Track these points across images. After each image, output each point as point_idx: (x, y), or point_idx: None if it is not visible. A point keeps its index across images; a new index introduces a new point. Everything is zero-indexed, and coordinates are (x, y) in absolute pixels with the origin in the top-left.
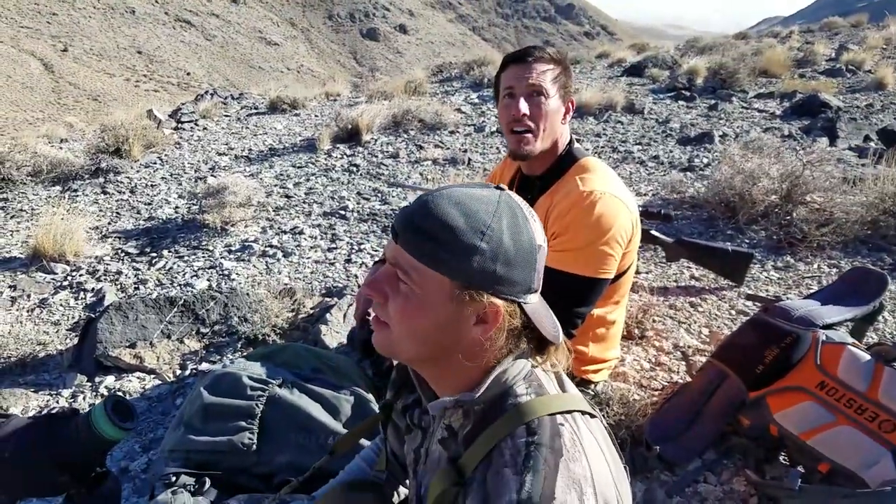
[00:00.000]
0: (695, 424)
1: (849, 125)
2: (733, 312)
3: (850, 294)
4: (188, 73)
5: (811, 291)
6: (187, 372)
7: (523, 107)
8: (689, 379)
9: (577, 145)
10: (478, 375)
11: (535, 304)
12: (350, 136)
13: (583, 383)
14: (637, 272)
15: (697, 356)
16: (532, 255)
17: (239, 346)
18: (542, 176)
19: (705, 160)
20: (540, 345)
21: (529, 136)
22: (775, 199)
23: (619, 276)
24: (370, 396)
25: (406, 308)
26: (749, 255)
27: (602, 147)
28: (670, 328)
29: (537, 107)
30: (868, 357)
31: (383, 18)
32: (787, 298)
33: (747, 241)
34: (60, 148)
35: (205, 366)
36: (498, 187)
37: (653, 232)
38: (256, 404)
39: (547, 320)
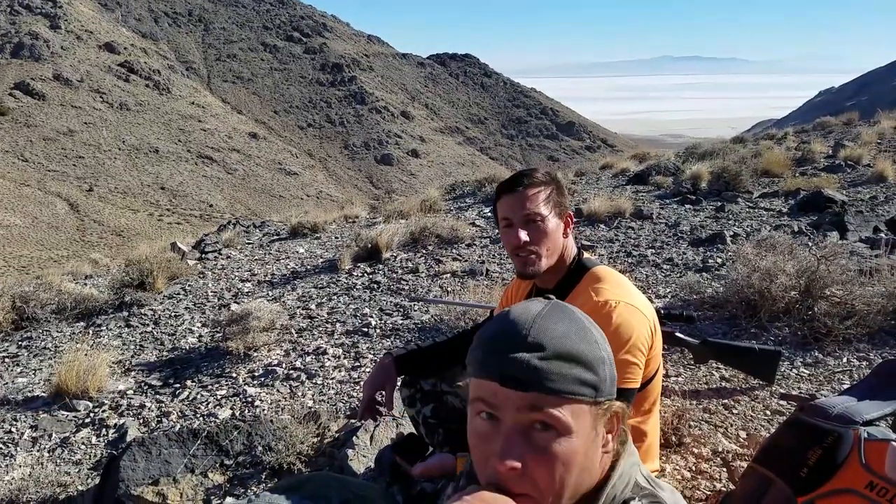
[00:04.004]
0: None
1: (856, 218)
2: (768, 413)
3: (885, 387)
4: (211, 205)
5: (845, 387)
6: None
7: (523, 235)
8: (732, 487)
9: (586, 255)
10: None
11: None
12: (370, 254)
13: None
14: (667, 376)
15: (738, 461)
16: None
17: (263, 476)
18: (554, 290)
19: (719, 260)
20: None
21: (533, 257)
22: (795, 294)
23: (645, 383)
24: None
25: (554, 461)
26: (777, 353)
27: (616, 252)
28: (707, 433)
29: (536, 231)
30: None
31: (396, 145)
32: (822, 396)
33: (772, 338)
34: (85, 284)
35: (229, 500)
36: (546, 297)
37: (677, 334)
38: None
39: None
